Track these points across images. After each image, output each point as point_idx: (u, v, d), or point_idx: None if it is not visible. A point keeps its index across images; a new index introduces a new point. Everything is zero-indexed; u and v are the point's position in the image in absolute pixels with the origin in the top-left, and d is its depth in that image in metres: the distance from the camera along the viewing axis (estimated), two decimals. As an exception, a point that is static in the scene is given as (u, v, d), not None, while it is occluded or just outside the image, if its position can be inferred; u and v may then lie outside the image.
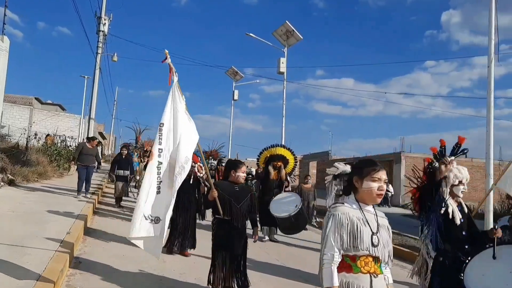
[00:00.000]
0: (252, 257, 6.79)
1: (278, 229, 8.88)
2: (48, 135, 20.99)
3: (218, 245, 4.25)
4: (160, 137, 4.15)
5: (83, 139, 21.91)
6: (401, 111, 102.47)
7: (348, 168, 6.92)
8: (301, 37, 18.39)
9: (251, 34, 19.34)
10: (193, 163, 5.95)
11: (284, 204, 8.56)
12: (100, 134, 43.32)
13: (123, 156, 11.69)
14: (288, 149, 9.59)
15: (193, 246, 6.43)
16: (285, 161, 9.25)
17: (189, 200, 6.41)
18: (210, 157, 19.69)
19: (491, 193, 7.88)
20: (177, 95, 4.23)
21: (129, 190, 12.02)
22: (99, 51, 21.61)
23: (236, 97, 27.88)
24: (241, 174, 4.28)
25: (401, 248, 8.73)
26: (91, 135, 22.28)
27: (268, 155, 9.31)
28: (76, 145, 19.50)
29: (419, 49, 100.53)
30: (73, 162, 11.61)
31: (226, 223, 4.20)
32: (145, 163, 13.22)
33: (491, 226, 7.65)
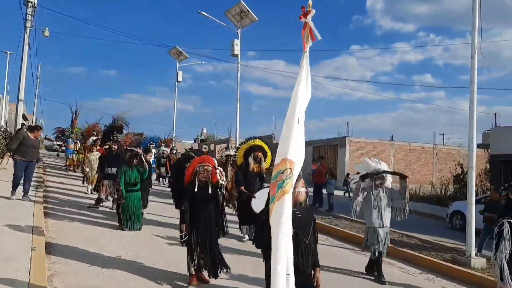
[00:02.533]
0: (235, 261, 6.27)
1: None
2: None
3: None
4: (300, 140, 3.08)
5: (19, 125, 19.46)
6: (329, 93, 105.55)
7: (383, 166, 6.51)
8: (256, 18, 17.61)
9: (203, 13, 18.19)
10: (208, 166, 5.04)
11: (266, 201, 7.98)
12: (23, 115, 39.38)
13: (113, 152, 10.24)
14: (265, 142, 8.97)
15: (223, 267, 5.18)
16: (264, 154, 8.61)
17: (209, 214, 5.04)
18: (163, 144, 18.61)
19: (473, 183, 7.90)
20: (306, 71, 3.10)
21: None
22: (28, 24, 19.16)
23: (180, 78, 26.51)
24: (302, 189, 3.48)
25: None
26: (20, 119, 19.94)
27: (246, 148, 8.60)
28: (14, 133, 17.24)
29: (346, 33, 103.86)
30: (8, 154, 9.44)
31: None
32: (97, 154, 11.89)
33: (474, 214, 7.67)
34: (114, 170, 9.60)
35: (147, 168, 8.18)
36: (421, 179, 27.08)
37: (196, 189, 4.99)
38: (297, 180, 3.30)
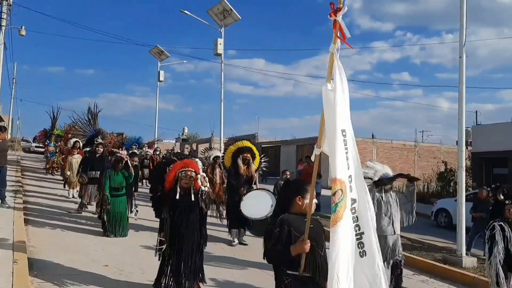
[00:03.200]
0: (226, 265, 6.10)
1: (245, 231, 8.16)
2: None
3: None
4: (346, 152, 2.64)
5: None
6: (309, 92, 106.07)
7: (387, 170, 6.26)
8: (239, 17, 17.39)
9: (186, 12, 17.87)
10: (190, 171, 4.75)
11: (256, 204, 7.80)
12: (-1, 116, 38.27)
13: (97, 155, 9.80)
14: (253, 143, 8.82)
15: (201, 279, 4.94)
16: (253, 155, 8.45)
17: (193, 221, 4.73)
18: (145, 145, 18.18)
19: (463, 182, 7.90)
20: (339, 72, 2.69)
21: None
22: (3, 23, 18.49)
23: (162, 78, 26.07)
24: (315, 201, 3.06)
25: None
26: (-5, 120, 19.25)
27: (234, 150, 8.41)
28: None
29: (325, 32, 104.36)
30: None
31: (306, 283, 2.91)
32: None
33: (464, 213, 7.68)
34: (98, 173, 9.31)
35: (133, 173, 7.92)
36: (403, 176, 27.36)
37: (177, 196, 4.65)
38: (308, 191, 3.04)
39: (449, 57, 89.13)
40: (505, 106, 75.36)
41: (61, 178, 15.38)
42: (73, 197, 11.46)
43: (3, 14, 18.45)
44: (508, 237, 4.52)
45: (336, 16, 2.58)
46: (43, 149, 30.31)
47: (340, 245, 2.52)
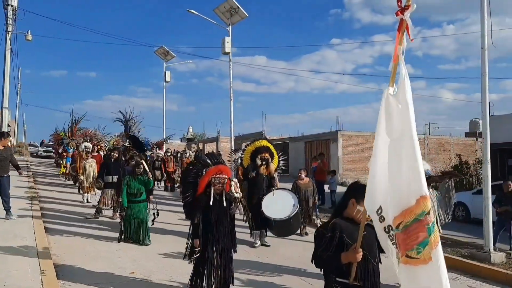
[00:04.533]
0: (250, 268, 6.08)
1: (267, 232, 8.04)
2: None
3: None
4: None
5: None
6: (311, 87, 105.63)
7: (427, 166, 6.03)
8: (247, 15, 17.23)
9: (193, 11, 17.72)
10: (224, 178, 4.65)
11: (277, 204, 7.69)
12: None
13: (112, 160, 9.69)
14: (271, 143, 8.66)
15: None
16: (271, 154, 8.32)
17: (225, 227, 4.69)
18: (156, 147, 18.08)
19: (489, 177, 7.71)
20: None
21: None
22: (9, 29, 18.42)
23: (168, 78, 25.94)
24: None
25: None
26: (5, 127, 19.23)
27: (252, 150, 8.29)
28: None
29: (325, 27, 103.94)
30: None
31: None
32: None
33: (490, 208, 7.51)
34: (115, 178, 9.23)
35: (151, 178, 7.71)
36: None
37: (211, 202, 4.57)
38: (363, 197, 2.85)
39: (450, 48, 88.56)
40: (508, 96, 74.73)
41: (72, 183, 15.33)
42: (87, 201, 11.38)
43: (8, 19, 18.40)
44: None
45: (403, 15, 2.38)
46: (52, 154, 30.34)
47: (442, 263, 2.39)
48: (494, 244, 8.23)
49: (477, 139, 27.75)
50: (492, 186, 11.21)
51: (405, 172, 2.41)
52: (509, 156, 17.27)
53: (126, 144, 10.78)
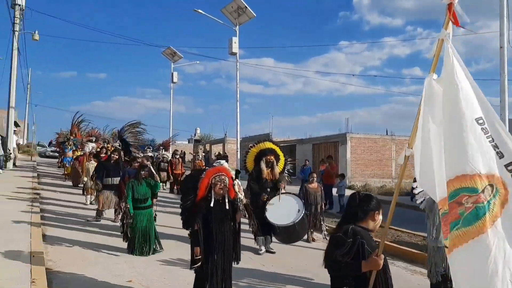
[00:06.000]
0: (253, 278, 5.78)
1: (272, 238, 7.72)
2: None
3: None
4: (491, 141, 2.28)
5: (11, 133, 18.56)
6: (319, 89, 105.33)
7: None
8: (254, 15, 16.99)
9: (199, 11, 17.51)
10: (224, 176, 4.36)
11: (281, 209, 7.39)
12: (14, 122, 38.48)
13: (112, 161, 9.45)
14: (276, 144, 8.34)
15: None
16: (277, 157, 8.00)
17: (227, 232, 4.40)
18: (161, 148, 17.87)
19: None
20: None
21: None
22: (16, 28, 18.36)
23: (175, 79, 25.78)
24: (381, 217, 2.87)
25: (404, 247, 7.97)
26: (11, 126, 19.16)
27: (257, 152, 7.97)
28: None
29: (334, 30, 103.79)
30: None
31: None
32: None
33: None
34: (115, 180, 9.00)
35: (159, 181, 7.16)
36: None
37: (212, 204, 4.28)
38: (381, 207, 2.84)
39: (460, 50, 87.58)
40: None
41: (72, 184, 15.11)
42: (90, 203, 11.17)
43: (16, 19, 18.34)
44: None
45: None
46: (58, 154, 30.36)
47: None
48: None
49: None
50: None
51: (449, 150, 2.36)
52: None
53: (117, 144, 10.59)
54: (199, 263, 4.28)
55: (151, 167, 7.30)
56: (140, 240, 6.68)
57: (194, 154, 19.42)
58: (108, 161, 9.67)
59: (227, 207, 4.32)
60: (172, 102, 26.86)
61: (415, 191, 5.58)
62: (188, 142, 51.85)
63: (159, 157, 17.02)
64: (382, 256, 2.59)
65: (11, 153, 18.41)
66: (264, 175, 7.73)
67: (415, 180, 5.50)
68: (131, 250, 6.70)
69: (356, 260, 2.61)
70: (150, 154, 16.10)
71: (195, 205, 4.43)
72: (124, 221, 6.84)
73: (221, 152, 31.40)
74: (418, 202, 5.33)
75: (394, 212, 2.78)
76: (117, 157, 9.50)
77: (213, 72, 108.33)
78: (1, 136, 15.98)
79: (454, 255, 2.32)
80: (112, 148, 11.62)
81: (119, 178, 8.97)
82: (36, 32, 19.76)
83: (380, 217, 2.83)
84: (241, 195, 4.44)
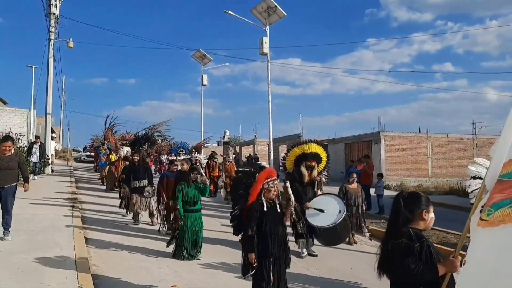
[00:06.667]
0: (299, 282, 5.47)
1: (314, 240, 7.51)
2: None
3: None
4: None
5: (34, 136, 19.06)
6: (347, 89, 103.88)
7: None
8: (285, 14, 16.81)
9: (230, 12, 17.47)
10: (276, 180, 4.23)
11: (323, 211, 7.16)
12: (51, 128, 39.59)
13: (136, 163, 9.54)
14: (321, 145, 8.08)
15: None
16: (319, 160, 7.77)
17: (279, 237, 4.27)
18: (194, 150, 17.88)
19: None
20: None
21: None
22: (52, 36, 18.85)
23: (205, 81, 25.89)
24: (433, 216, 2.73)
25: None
26: (48, 132, 19.68)
27: (299, 153, 7.75)
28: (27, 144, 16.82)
29: (361, 27, 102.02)
30: None
31: None
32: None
33: None
34: (142, 182, 9.09)
35: (208, 184, 7.01)
36: (461, 172, 25.69)
37: (265, 208, 4.19)
38: (429, 205, 2.72)
39: (494, 44, 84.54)
40: None
41: (108, 188, 15.27)
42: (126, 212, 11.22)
43: (51, 27, 18.81)
44: None
45: None
46: (93, 159, 31.03)
47: None
48: None
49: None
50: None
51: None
52: None
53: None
54: (254, 271, 4.17)
55: (201, 170, 7.23)
56: (190, 244, 6.58)
57: (224, 156, 19.38)
58: (134, 164, 9.74)
59: (279, 210, 4.20)
60: (201, 105, 26.98)
61: (468, 190, 5.39)
62: (218, 145, 52.15)
63: (192, 160, 17.05)
64: (460, 258, 2.46)
65: (49, 159, 18.89)
66: (306, 179, 7.50)
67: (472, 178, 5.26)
68: (179, 254, 6.58)
69: (427, 265, 2.49)
70: (184, 157, 16.15)
71: (247, 208, 4.34)
72: (174, 224, 6.76)
73: (251, 154, 31.32)
74: (471, 202, 5.06)
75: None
76: (138, 158, 9.58)
77: (240, 74, 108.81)
78: (41, 143, 16.34)
79: (497, 230, 2.14)
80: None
81: (146, 180, 9.14)
82: (70, 39, 20.26)
83: (431, 215, 2.69)
84: (293, 198, 4.29)
